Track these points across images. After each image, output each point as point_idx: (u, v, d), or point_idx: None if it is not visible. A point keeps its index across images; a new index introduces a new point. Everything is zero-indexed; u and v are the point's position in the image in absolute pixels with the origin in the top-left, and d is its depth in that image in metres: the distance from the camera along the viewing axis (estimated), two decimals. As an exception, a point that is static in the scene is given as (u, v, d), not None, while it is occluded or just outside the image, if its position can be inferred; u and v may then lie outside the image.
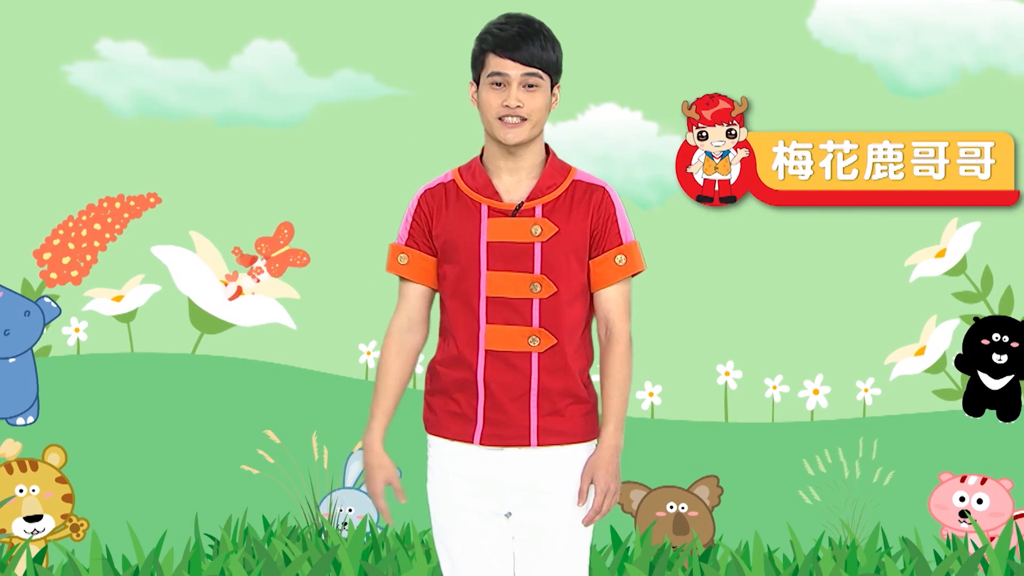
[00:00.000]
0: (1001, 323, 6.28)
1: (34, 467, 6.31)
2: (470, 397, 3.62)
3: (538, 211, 3.61)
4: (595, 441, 3.66)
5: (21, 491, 6.31)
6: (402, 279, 3.72)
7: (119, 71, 6.38)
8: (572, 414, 3.62)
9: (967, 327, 6.30)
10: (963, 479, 6.27)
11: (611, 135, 6.34)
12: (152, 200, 6.38)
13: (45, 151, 6.37)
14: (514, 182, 3.64)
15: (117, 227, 6.37)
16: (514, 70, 3.56)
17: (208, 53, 6.39)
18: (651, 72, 6.32)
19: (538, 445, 3.60)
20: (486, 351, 3.59)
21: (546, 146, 3.69)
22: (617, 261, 3.63)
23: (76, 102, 6.37)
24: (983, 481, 6.27)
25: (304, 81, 6.39)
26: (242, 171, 6.36)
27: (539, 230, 3.59)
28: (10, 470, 6.31)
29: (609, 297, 3.64)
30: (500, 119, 3.57)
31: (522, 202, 3.61)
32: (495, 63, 3.57)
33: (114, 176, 6.37)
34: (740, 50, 6.32)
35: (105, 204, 6.38)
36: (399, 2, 6.38)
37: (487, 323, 3.59)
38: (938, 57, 6.31)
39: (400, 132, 6.34)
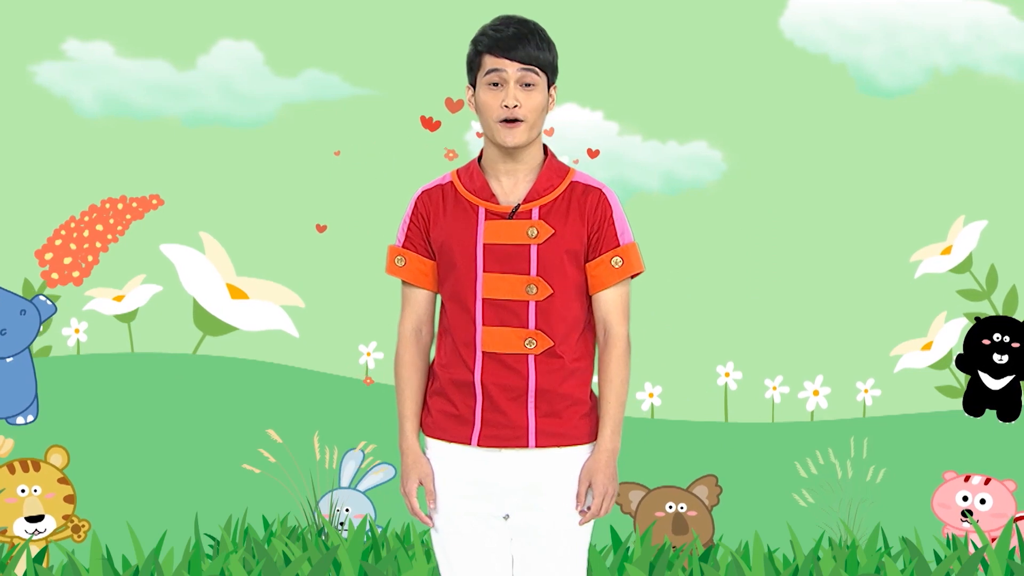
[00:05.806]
0: (1002, 323, 6.27)
1: (36, 468, 6.31)
2: (467, 399, 3.61)
3: (535, 213, 3.60)
4: (594, 443, 3.65)
5: (23, 491, 6.31)
6: (404, 283, 3.71)
7: (86, 71, 6.37)
8: (570, 416, 3.61)
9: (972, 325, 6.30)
10: (967, 478, 6.26)
11: (572, 135, 6.32)
12: (155, 201, 6.38)
13: (17, 152, 6.36)
14: (512, 184, 3.63)
15: (119, 228, 6.37)
16: (511, 67, 3.55)
17: (175, 53, 6.39)
18: (613, 72, 6.31)
19: (536, 447, 3.59)
20: (483, 353, 3.58)
21: (544, 147, 3.68)
22: (613, 263, 3.61)
23: (42, 102, 6.37)
24: (987, 481, 6.26)
25: (271, 81, 6.39)
26: (209, 171, 6.37)
27: (535, 232, 3.58)
28: (12, 470, 6.31)
29: (607, 299, 3.62)
30: (500, 122, 3.56)
31: (518, 204, 3.60)
32: (491, 62, 3.56)
33: (88, 176, 6.36)
34: (710, 49, 6.30)
35: (107, 205, 6.38)
36: (366, 2, 6.38)
37: (483, 325, 3.58)
38: (910, 57, 6.30)
39: (367, 132, 6.35)
